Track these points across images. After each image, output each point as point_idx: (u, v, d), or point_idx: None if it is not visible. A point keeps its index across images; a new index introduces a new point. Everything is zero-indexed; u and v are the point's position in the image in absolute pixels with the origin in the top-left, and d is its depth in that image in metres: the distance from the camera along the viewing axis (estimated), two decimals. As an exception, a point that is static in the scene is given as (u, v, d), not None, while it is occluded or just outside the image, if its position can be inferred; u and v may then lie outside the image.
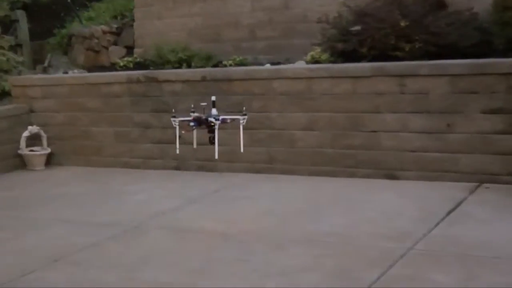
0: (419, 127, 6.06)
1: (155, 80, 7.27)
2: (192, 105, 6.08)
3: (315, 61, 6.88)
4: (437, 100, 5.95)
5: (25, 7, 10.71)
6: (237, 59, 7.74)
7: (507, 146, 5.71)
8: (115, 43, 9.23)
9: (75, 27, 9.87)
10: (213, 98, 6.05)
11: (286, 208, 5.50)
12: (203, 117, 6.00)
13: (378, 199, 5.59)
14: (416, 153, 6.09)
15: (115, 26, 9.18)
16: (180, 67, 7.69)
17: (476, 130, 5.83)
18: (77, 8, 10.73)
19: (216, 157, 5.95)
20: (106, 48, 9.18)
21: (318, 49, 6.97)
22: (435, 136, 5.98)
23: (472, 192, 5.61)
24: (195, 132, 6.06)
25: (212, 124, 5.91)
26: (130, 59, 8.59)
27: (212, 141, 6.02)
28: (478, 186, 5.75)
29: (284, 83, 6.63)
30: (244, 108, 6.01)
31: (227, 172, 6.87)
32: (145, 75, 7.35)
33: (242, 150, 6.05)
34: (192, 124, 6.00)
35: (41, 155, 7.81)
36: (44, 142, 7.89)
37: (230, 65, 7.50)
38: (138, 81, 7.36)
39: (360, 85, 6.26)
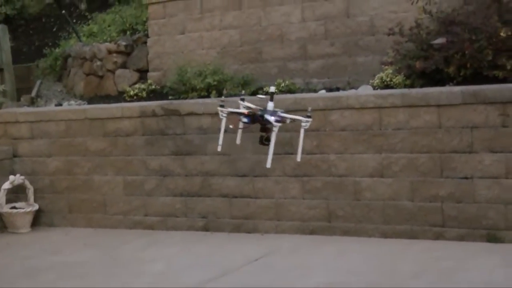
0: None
1: (176, 113, 7.49)
2: (243, 91, 6.24)
3: (386, 85, 7.00)
4: (552, 134, 5.98)
5: (6, 21, 10.98)
6: (283, 84, 7.92)
7: None
8: (124, 66, 9.48)
9: (72, 46, 10.19)
10: (272, 89, 6.20)
11: (352, 283, 5.52)
12: (258, 112, 6.13)
13: (476, 269, 5.58)
14: (526, 206, 6.11)
15: (124, 43, 9.46)
16: (208, 95, 7.91)
17: None
18: (75, 21, 11.09)
19: (268, 165, 6.09)
20: (112, 72, 9.44)
21: (390, 70, 7.09)
22: (552, 183, 6.00)
23: None
24: (240, 129, 6.20)
25: (268, 124, 6.07)
26: (143, 86, 8.84)
27: (264, 142, 6.14)
28: None
29: (346, 115, 6.76)
30: (309, 108, 6.10)
31: (272, 234, 6.98)
32: (163, 106, 7.59)
33: (299, 159, 6.17)
34: (245, 120, 6.12)
35: (26, 213, 8.04)
36: (31, 196, 8.15)
37: (274, 92, 7.65)
38: (154, 114, 7.60)
39: (447, 116, 6.33)
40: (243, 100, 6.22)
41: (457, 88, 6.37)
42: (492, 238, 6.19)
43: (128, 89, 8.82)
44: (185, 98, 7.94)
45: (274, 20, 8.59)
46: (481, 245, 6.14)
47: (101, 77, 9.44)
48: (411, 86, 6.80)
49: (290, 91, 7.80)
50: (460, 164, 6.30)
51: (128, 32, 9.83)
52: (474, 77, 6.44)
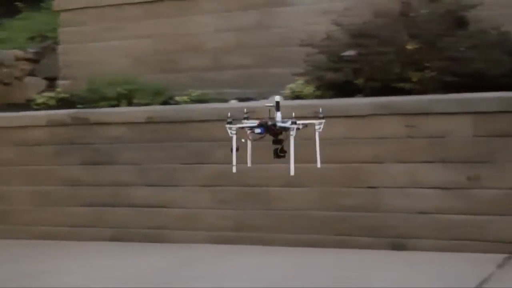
0: (434, 181, 6.37)
1: (86, 122, 7.55)
2: (245, 110, 6.31)
3: (296, 96, 7.24)
4: (458, 146, 6.29)
5: None
6: (194, 93, 8.09)
7: (549, 205, 6.05)
8: (32, 73, 9.47)
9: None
10: (278, 98, 6.19)
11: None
12: (269, 122, 6.13)
13: (381, 278, 5.79)
14: (429, 215, 6.38)
15: (33, 50, 9.44)
16: (118, 105, 8.01)
17: (508, 185, 6.17)
18: (-21, 26, 10.97)
19: (292, 173, 6.09)
20: (20, 79, 9.42)
21: (301, 81, 7.34)
22: (455, 193, 6.28)
23: (500, 266, 5.85)
24: (249, 145, 6.18)
25: (280, 132, 6.06)
26: (52, 94, 8.85)
27: (280, 154, 6.10)
28: (509, 258, 6.01)
29: (258, 125, 6.96)
30: (320, 109, 6.23)
31: (183, 244, 7.10)
32: (72, 115, 7.64)
33: (319, 165, 6.21)
34: (258, 131, 6.06)
35: None
36: None
37: (185, 101, 7.84)
38: (63, 123, 7.64)
39: (356, 128, 6.58)
40: (247, 117, 6.20)
41: (366, 100, 6.65)
42: (398, 246, 6.43)
43: (36, 97, 8.81)
44: (95, 107, 7.99)
45: (189, 30, 8.74)
46: (387, 253, 6.37)
47: (8, 84, 9.38)
48: (321, 97, 7.04)
49: (201, 100, 7.94)
50: (368, 174, 6.55)
51: (37, 39, 9.83)
52: (383, 89, 6.71)
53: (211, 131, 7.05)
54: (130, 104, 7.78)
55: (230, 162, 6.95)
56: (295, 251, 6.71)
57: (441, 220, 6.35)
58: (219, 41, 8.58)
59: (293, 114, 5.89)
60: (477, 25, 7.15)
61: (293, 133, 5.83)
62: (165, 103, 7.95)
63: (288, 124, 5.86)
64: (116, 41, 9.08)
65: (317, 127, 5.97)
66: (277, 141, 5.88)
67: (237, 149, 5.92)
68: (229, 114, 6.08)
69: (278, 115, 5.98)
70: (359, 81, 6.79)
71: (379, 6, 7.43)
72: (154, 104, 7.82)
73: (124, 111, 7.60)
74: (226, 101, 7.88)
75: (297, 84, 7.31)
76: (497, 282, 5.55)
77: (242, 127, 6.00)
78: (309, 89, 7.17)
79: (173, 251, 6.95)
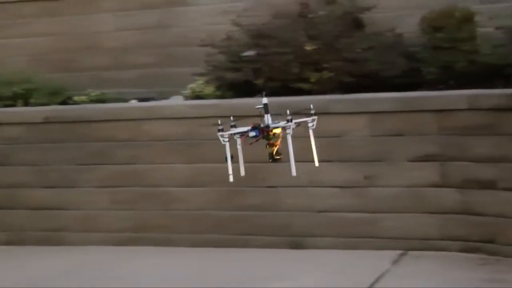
0: (331, 180, 6.48)
1: (-21, 122, 7.34)
2: (232, 117, 6.08)
3: (197, 95, 7.21)
4: (353, 145, 6.41)
5: None
6: (93, 93, 7.94)
7: (441, 202, 6.20)
8: None
9: None
10: (265, 100, 5.95)
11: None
12: (261, 124, 5.90)
13: (287, 276, 5.88)
14: (327, 213, 6.48)
15: None
16: (15, 104, 7.81)
17: (403, 183, 6.31)
18: None
19: (294, 173, 5.88)
20: None
21: (201, 81, 7.30)
22: (352, 191, 6.40)
23: (395, 262, 6.02)
24: (240, 152, 5.92)
25: (273, 133, 5.82)
26: None
27: (276, 157, 5.88)
28: (403, 254, 6.18)
29: (159, 126, 6.90)
30: (311, 105, 6.08)
31: (81, 246, 6.97)
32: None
33: (317, 164, 6.02)
34: (253, 134, 5.80)
35: None
36: None
37: (83, 101, 7.71)
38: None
39: (255, 127, 6.63)
40: (234, 126, 5.98)
41: (264, 100, 6.67)
42: (296, 245, 6.50)
43: None
44: (-10, 107, 7.78)
45: (88, 29, 8.60)
46: (286, 252, 6.44)
47: None
48: (221, 97, 7.03)
49: (100, 100, 7.80)
50: (267, 174, 6.59)
51: None
52: (282, 89, 6.74)
53: (110, 132, 6.98)
54: (26, 104, 7.60)
55: (130, 162, 6.95)
56: (196, 251, 6.70)
57: (339, 219, 6.45)
58: (119, 40, 8.48)
59: (288, 111, 5.86)
60: (373, 27, 7.29)
61: (289, 131, 5.79)
62: (63, 103, 7.79)
63: (281, 123, 5.86)
64: (14, 38, 8.86)
65: (310, 124, 5.91)
66: (270, 145, 5.90)
67: (232, 157, 5.82)
68: (219, 121, 5.97)
69: (268, 118, 5.92)
70: (259, 81, 6.81)
71: (278, 7, 7.48)
72: (51, 104, 7.65)
73: (20, 111, 7.42)
74: (126, 101, 7.79)
75: (198, 84, 7.28)
76: (392, 278, 5.70)
77: (235, 134, 5.85)
78: (210, 89, 7.16)
79: (70, 254, 6.83)
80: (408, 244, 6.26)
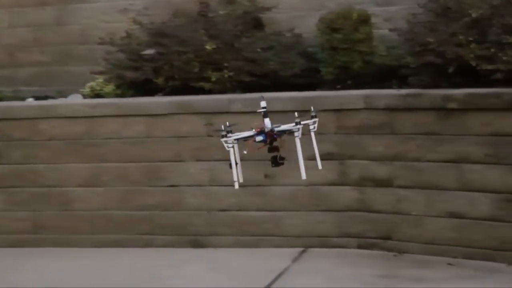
0: (231, 179, 6.44)
1: None
2: (227, 123, 5.83)
3: (96, 94, 7.10)
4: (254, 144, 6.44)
5: None
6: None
7: (338, 200, 6.31)
8: None
9: None
10: (263, 103, 5.54)
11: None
12: (265, 128, 5.61)
13: (183, 275, 5.86)
14: (228, 212, 6.51)
15: None
16: None
17: (301, 181, 6.37)
18: None
19: (304, 177, 5.66)
20: None
21: (101, 79, 7.20)
22: (252, 190, 6.42)
23: (295, 259, 6.10)
24: (238, 158, 5.63)
25: (275, 139, 5.55)
26: None
27: (279, 162, 5.63)
28: (303, 251, 6.27)
29: (56, 124, 6.76)
30: (312, 107, 5.62)
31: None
32: None
33: (320, 167, 5.74)
34: (260, 138, 5.39)
35: None
36: None
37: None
38: None
39: (157, 126, 6.57)
40: (230, 131, 5.71)
41: (166, 99, 6.65)
42: (197, 243, 6.52)
43: None
44: None
45: (-19, 25, 8.38)
46: (187, 251, 6.45)
47: None
48: (122, 95, 6.95)
49: (-3, 99, 7.64)
50: (168, 173, 6.57)
51: None
52: (182, 88, 6.74)
53: (5, 131, 6.81)
54: None
55: (27, 162, 6.77)
56: (97, 252, 6.61)
57: (240, 217, 6.48)
58: (14, 37, 8.27)
59: (296, 114, 5.73)
60: (273, 27, 7.37)
61: (298, 134, 5.36)
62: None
63: (285, 127, 5.35)
64: None
65: (311, 126, 5.50)
66: (272, 149, 5.43)
67: (236, 164, 5.63)
68: (222, 126, 5.80)
69: (267, 121, 5.44)
70: (159, 80, 6.77)
71: (178, 5, 7.45)
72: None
73: None
74: (23, 99, 7.60)
75: (97, 83, 7.18)
76: (292, 276, 5.77)
77: (239, 139, 5.33)
78: (109, 87, 7.07)
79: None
80: (308, 241, 6.36)
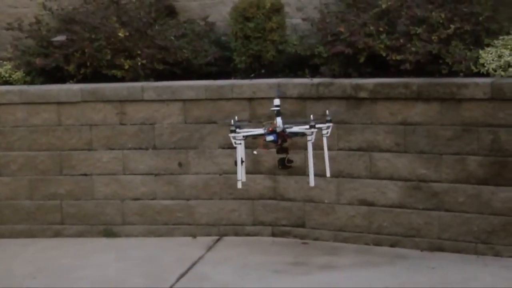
0: (144, 168, 6.54)
1: None
2: (236, 117, 5.68)
3: (5, 81, 7.00)
4: (167, 132, 6.49)
5: None
6: None
7: (251, 188, 6.43)
8: None
9: None
10: (277, 101, 5.52)
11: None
12: (277, 128, 5.43)
13: (92, 265, 5.91)
14: (141, 201, 6.56)
15: None
16: None
17: (214, 169, 6.48)
18: None
19: (312, 184, 5.53)
20: None
21: (9, 66, 7.10)
22: (165, 179, 6.51)
23: (210, 248, 6.22)
24: (243, 154, 5.46)
25: (285, 140, 5.40)
26: None
27: (287, 164, 5.52)
28: (218, 240, 6.40)
29: (-41, 111, 6.67)
30: (327, 111, 5.65)
31: None
32: None
33: (328, 174, 5.63)
34: (271, 138, 5.37)
35: None
36: None
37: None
38: None
39: (67, 114, 6.56)
40: (238, 127, 5.48)
41: (77, 86, 6.62)
42: (109, 233, 6.56)
43: None
44: None
45: None
46: (98, 240, 6.49)
47: None
48: (31, 83, 6.88)
49: None
50: (79, 161, 6.56)
51: None
52: (94, 76, 6.72)
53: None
54: None
55: None
56: (2, 242, 6.57)
57: (152, 206, 6.55)
58: None
59: (312, 116, 5.51)
60: (186, 14, 7.41)
61: (311, 138, 5.41)
62: None
63: (297, 128, 5.42)
64: None
65: (324, 131, 5.53)
66: (281, 150, 5.44)
67: (242, 161, 5.46)
68: (232, 121, 5.65)
69: (279, 121, 5.46)
70: (70, 67, 6.73)
71: (88, -9, 7.42)
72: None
73: None
74: None
75: (5, 69, 7.07)
76: (207, 264, 5.89)
77: (248, 136, 5.37)
78: (19, 74, 6.98)
79: None
80: (222, 230, 6.50)
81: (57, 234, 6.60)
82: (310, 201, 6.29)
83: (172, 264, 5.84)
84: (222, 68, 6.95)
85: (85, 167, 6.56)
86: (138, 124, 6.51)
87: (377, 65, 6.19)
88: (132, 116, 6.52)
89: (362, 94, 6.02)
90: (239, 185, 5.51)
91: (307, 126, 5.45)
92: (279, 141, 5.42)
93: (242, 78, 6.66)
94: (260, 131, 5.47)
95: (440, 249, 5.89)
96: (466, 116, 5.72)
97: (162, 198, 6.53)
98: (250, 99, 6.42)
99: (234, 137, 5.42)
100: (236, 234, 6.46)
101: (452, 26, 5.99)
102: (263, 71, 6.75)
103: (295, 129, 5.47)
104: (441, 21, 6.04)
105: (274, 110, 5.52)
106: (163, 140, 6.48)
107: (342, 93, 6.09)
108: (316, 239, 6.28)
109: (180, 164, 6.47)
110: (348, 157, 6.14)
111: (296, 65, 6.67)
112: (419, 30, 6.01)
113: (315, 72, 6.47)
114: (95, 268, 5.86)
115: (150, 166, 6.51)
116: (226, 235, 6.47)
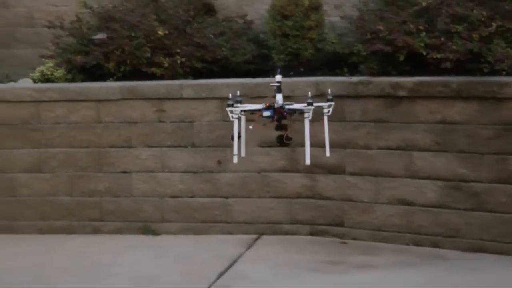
0: (182, 165, 6.58)
1: None
2: (238, 92, 5.69)
3: (47, 78, 7.09)
4: (205, 130, 6.53)
5: None
6: None
7: (289, 187, 6.45)
8: None
9: None
10: (278, 77, 5.55)
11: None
12: (275, 104, 5.47)
13: (129, 262, 5.95)
14: (179, 199, 6.60)
15: None
16: None
17: (252, 167, 6.51)
18: None
19: (308, 162, 5.53)
20: None
21: (51, 63, 7.19)
22: (203, 176, 6.55)
23: (249, 246, 6.24)
24: (243, 131, 5.47)
25: (284, 117, 5.41)
26: None
27: (285, 142, 5.55)
28: (257, 238, 6.42)
29: (2, 109, 6.75)
30: (329, 90, 5.68)
31: None
32: None
33: (328, 154, 5.68)
34: (267, 113, 5.39)
35: None
36: None
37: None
38: None
39: (106, 111, 6.62)
40: (239, 101, 5.54)
41: (116, 84, 6.69)
42: (147, 230, 6.61)
43: None
44: None
45: None
46: (137, 238, 6.54)
47: None
48: (72, 80, 6.96)
49: None
50: (118, 159, 6.62)
51: None
52: (134, 74, 6.78)
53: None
54: None
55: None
56: (42, 238, 6.65)
57: (190, 204, 6.58)
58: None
59: (309, 93, 5.61)
60: (224, 12, 7.45)
61: (308, 115, 5.41)
62: None
63: (297, 106, 5.45)
64: None
65: (325, 110, 5.57)
66: (280, 127, 5.48)
67: (239, 136, 5.54)
68: (230, 95, 5.75)
69: (279, 97, 5.51)
70: (110, 65, 6.80)
71: (129, -11, 7.50)
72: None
73: None
74: (-30, 83, 7.56)
75: (47, 67, 7.16)
76: (245, 263, 5.89)
77: (246, 110, 5.41)
78: (60, 72, 7.06)
79: None
80: (259, 228, 6.51)
81: (96, 231, 6.67)
82: (348, 200, 6.29)
83: (210, 262, 5.86)
84: (260, 66, 6.98)
85: (124, 164, 6.62)
86: (176, 121, 6.55)
87: (416, 64, 6.16)
88: (171, 113, 6.56)
89: (401, 93, 6.00)
90: (235, 160, 5.50)
91: (305, 104, 5.44)
92: (275, 117, 5.42)
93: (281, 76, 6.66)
94: (258, 106, 5.47)
95: (481, 250, 5.85)
96: (507, 115, 5.68)
97: (200, 196, 6.57)
98: (288, 97, 6.39)
99: (231, 111, 5.42)
100: (274, 232, 6.47)
101: (494, 24, 5.94)
102: (301, 69, 6.76)
103: (294, 106, 5.47)
104: (482, 19, 5.99)
105: (274, 86, 5.50)
106: (201, 137, 6.52)
107: (381, 92, 6.08)
108: (354, 238, 6.27)
109: (219, 162, 6.50)
110: (386, 156, 6.12)
111: (334, 63, 6.67)
112: (460, 28, 5.98)
113: (353, 70, 6.46)
114: (132, 264, 5.91)
115: (188, 164, 6.54)
116: (263, 233, 6.48)
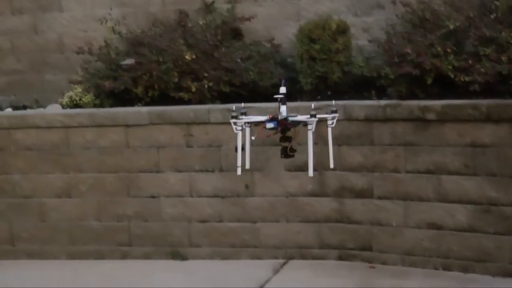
0: (210, 189, 6.60)
1: None
2: (243, 104, 5.77)
3: (75, 104, 7.16)
4: (233, 154, 6.52)
5: None
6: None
7: (318, 211, 6.43)
8: None
9: None
10: (283, 89, 5.60)
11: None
12: (279, 116, 5.53)
13: (159, 286, 5.96)
14: (207, 223, 6.61)
15: None
16: None
17: (280, 191, 6.50)
18: None
19: (311, 174, 5.59)
20: None
21: (79, 89, 7.26)
22: (231, 200, 6.56)
23: (277, 271, 6.22)
24: (248, 144, 5.56)
25: (289, 129, 5.46)
26: None
27: (289, 154, 5.60)
28: (285, 263, 6.40)
29: (32, 134, 6.83)
30: (333, 102, 5.70)
31: None
32: None
33: (332, 165, 5.77)
34: (271, 125, 5.43)
35: None
36: None
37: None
38: None
39: (135, 136, 6.67)
40: (245, 114, 5.62)
41: (144, 109, 6.73)
42: (176, 255, 6.62)
43: None
44: None
45: (-44, 33, 8.38)
46: (165, 262, 6.56)
47: None
48: (101, 105, 7.03)
49: (-28, 108, 7.66)
50: (146, 183, 6.66)
51: None
52: (162, 98, 6.83)
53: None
54: None
55: (1, 172, 6.81)
56: (72, 263, 6.69)
57: (219, 228, 6.58)
58: (-12, 45, 8.30)
59: (312, 105, 5.65)
60: (251, 36, 7.46)
61: (312, 127, 5.46)
62: None
63: (301, 118, 5.50)
64: None
65: (329, 122, 5.66)
66: (284, 139, 5.52)
67: (242, 148, 5.60)
68: (233, 107, 5.82)
69: (283, 109, 5.54)
70: (138, 90, 6.85)
71: (156, 15, 7.56)
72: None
73: None
74: (1, 109, 7.62)
75: (76, 92, 7.23)
76: (275, 286, 5.89)
77: (251, 122, 5.49)
78: (88, 97, 7.12)
79: None
80: (288, 253, 6.50)
81: (124, 256, 6.70)
82: (377, 224, 6.25)
83: (239, 286, 5.85)
84: (288, 89, 6.97)
85: (153, 188, 6.65)
86: (204, 146, 6.57)
87: (444, 86, 6.14)
88: (199, 138, 6.58)
89: (430, 116, 5.97)
90: (239, 172, 5.53)
91: (304, 117, 5.47)
92: (279, 129, 5.42)
93: (308, 99, 6.66)
94: (262, 118, 5.49)
95: (513, 274, 5.80)
96: (538, 138, 5.64)
97: (229, 220, 6.57)
98: (317, 121, 6.40)
99: (234, 123, 5.44)
100: (303, 257, 6.45)
101: (522, 46, 5.92)
102: (329, 92, 6.76)
103: (298, 118, 5.48)
104: (510, 41, 5.95)
105: (278, 97, 5.48)
106: (229, 162, 6.52)
107: (410, 115, 6.05)
108: (383, 262, 6.23)
109: (247, 186, 6.50)
110: (415, 179, 6.08)
111: (362, 86, 6.66)
112: (488, 51, 5.95)
113: (381, 93, 6.45)
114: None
115: (216, 188, 6.56)
116: (292, 258, 6.46)
